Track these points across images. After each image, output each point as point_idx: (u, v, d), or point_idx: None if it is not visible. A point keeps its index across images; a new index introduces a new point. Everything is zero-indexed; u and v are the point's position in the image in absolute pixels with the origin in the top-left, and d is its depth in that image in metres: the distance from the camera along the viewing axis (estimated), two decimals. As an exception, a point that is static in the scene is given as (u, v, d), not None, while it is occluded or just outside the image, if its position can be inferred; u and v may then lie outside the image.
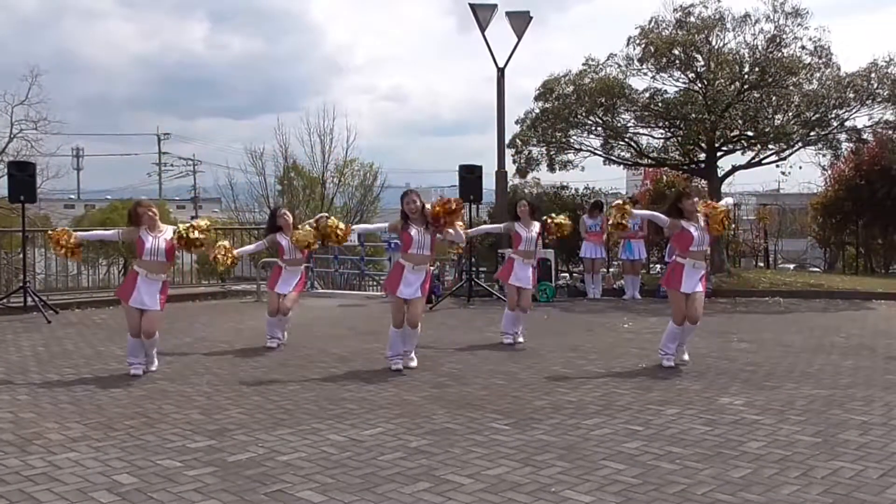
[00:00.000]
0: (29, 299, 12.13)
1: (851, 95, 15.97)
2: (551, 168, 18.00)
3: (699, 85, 16.64)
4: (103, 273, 22.33)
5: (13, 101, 27.16)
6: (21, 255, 13.71)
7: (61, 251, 7.89)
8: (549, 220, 9.95)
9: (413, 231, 7.68)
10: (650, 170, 21.42)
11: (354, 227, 9.13)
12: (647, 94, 17.04)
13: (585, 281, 14.92)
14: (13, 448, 5.23)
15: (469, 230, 9.68)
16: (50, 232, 8.30)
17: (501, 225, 10.14)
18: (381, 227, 10.30)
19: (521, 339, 9.48)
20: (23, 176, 12.53)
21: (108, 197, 51.50)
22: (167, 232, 7.67)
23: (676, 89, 16.99)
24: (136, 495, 4.37)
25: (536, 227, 9.55)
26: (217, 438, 5.45)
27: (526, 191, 20.58)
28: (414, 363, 8.01)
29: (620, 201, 8.68)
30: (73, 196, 61.78)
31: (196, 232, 7.62)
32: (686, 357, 8.11)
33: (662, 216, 8.18)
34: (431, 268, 8.12)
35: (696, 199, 8.02)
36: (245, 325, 11.19)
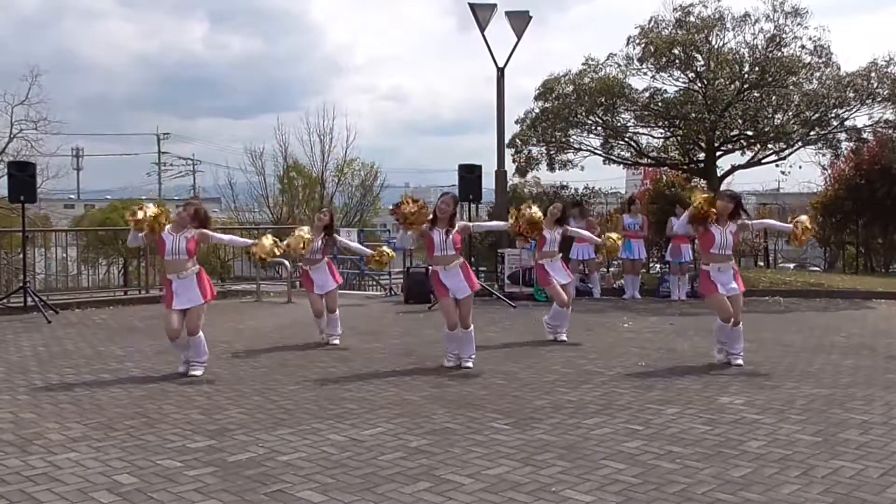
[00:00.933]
0: (29, 299, 12.13)
1: (851, 95, 16.00)
2: (551, 167, 18.06)
3: (699, 84, 16.66)
4: (103, 273, 22.34)
5: (13, 101, 27.14)
6: (21, 255, 13.71)
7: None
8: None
9: (434, 234, 7.85)
10: (650, 169, 21.46)
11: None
12: (646, 94, 17.06)
13: None
14: (13, 448, 5.22)
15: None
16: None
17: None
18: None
19: (563, 337, 9.55)
20: (23, 176, 12.53)
21: (108, 197, 51.39)
22: (188, 231, 7.69)
23: (676, 89, 17.03)
24: (136, 495, 4.37)
25: (559, 230, 9.58)
26: (217, 438, 5.45)
27: (525, 190, 20.54)
28: (469, 364, 7.92)
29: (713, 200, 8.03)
30: (73, 196, 61.69)
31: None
32: (740, 362, 7.93)
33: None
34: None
35: (728, 203, 7.95)
36: (245, 325, 11.19)
